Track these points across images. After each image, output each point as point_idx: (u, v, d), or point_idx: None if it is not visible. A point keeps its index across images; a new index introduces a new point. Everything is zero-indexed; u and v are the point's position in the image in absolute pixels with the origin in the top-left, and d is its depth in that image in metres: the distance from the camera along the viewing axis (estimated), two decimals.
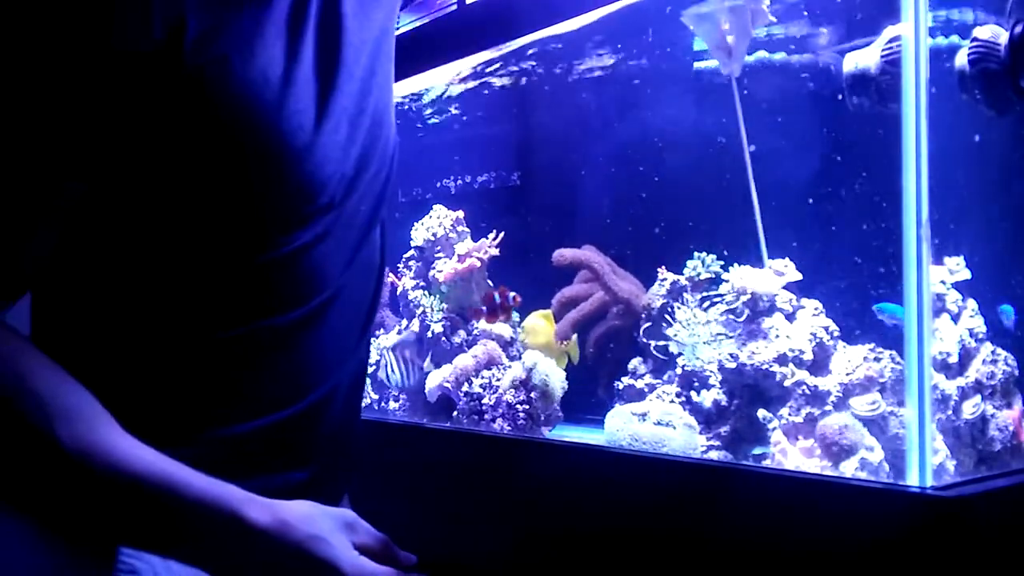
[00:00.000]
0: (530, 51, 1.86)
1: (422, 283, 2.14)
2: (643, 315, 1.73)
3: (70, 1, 0.65)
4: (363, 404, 2.20)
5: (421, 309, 2.05)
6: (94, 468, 0.67)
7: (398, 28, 2.46)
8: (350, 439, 0.98)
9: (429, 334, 2.01)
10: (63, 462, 0.67)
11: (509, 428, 1.70)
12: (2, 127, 0.66)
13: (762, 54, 1.74)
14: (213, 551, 0.71)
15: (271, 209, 0.78)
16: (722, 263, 1.68)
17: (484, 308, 1.83)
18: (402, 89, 2.17)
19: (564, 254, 1.89)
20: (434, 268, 2.07)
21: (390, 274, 2.32)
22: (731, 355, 1.50)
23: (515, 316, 2.01)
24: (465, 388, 1.82)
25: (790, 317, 1.55)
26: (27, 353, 0.70)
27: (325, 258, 0.84)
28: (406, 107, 2.44)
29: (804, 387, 1.43)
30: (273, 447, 0.85)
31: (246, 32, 0.75)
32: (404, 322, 2.16)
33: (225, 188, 0.75)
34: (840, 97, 1.44)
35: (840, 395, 1.41)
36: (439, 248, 2.10)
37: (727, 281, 1.60)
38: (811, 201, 1.67)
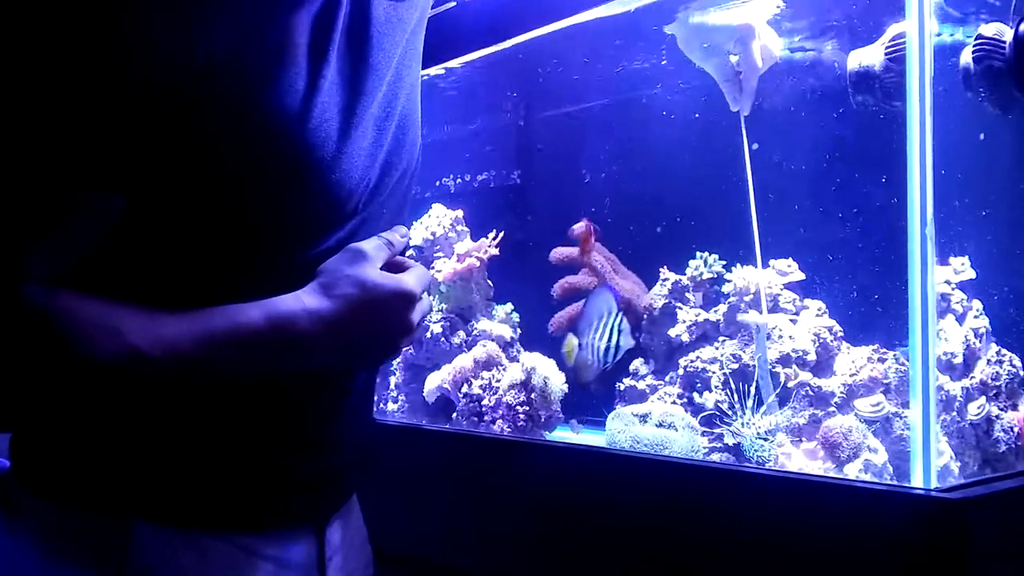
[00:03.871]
0: (530, 50, 1.85)
1: None
2: (644, 315, 1.72)
3: (111, 26, 0.67)
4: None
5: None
6: (184, 356, 0.72)
7: None
8: (364, 432, 1.00)
9: (428, 335, 2.00)
10: (153, 369, 0.71)
11: (509, 430, 1.69)
12: (46, 139, 0.68)
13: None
14: (312, 350, 0.76)
15: (297, 219, 0.80)
16: (724, 263, 1.67)
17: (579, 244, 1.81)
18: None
19: (561, 252, 1.88)
20: (433, 268, 2.06)
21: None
22: (733, 356, 1.49)
23: (515, 316, 2.00)
24: (464, 389, 1.81)
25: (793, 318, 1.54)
26: (73, 297, 0.72)
27: None
28: None
29: (808, 388, 1.42)
30: (300, 439, 0.88)
31: (272, 46, 0.76)
32: None
33: (253, 199, 0.77)
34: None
35: (844, 396, 1.40)
36: (438, 248, 2.09)
37: (729, 281, 1.59)
38: (811, 201, 1.66)
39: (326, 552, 0.93)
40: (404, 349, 0.90)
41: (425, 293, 0.86)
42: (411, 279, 0.82)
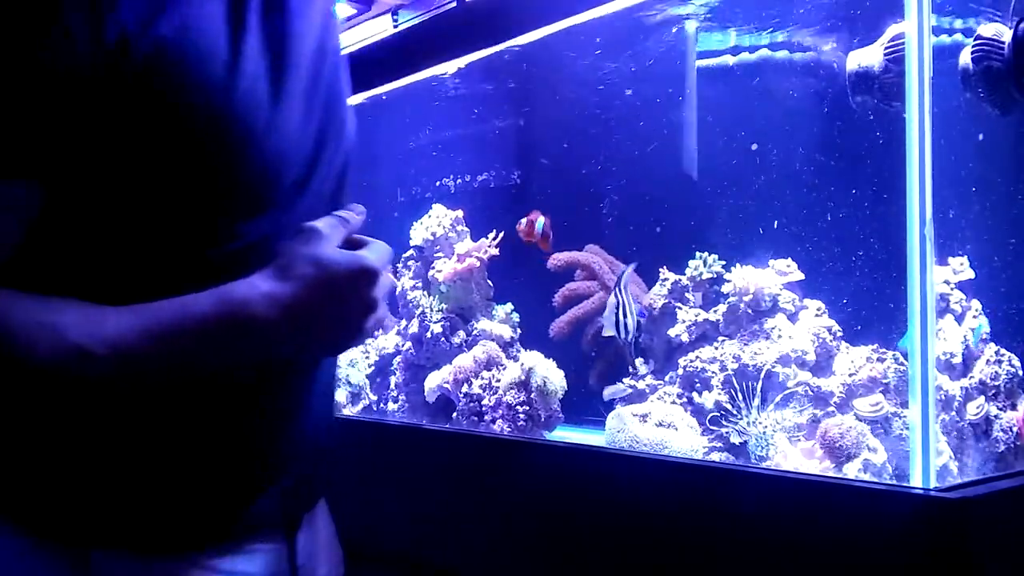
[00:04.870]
0: (530, 50, 1.85)
1: (419, 283, 2.13)
2: (644, 315, 1.72)
3: (16, 11, 0.65)
4: (360, 406, 2.19)
5: (420, 309, 2.04)
6: (129, 351, 0.68)
7: (398, 26, 2.45)
8: (327, 432, 0.94)
9: (428, 335, 2.00)
10: (101, 368, 0.67)
11: (509, 429, 1.69)
12: None
13: (765, 52, 1.73)
14: (266, 338, 0.72)
15: (235, 195, 0.76)
16: (723, 263, 1.67)
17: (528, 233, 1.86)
18: (402, 88, 2.16)
19: (560, 257, 1.89)
20: (433, 268, 2.06)
21: (389, 274, 2.31)
22: (734, 356, 1.50)
23: (515, 316, 2.00)
24: (465, 389, 1.81)
25: (792, 317, 1.54)
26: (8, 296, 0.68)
27: None
28: (406, 106, 2.43)
29: (807, 388, 1.42)
30: (261, 445, 0.83)
31: (188, 17, 0.72)
32: (403, 322, 2.15)
33: (187, 177, 0.73)
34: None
35: (843, 396, 1.40)
36: (438, 248, 2.09)
37: (729, 281, 1.60)
38: (813, 201, 1.67)
39: (297, 559, 0.90)
40: (372, 332, 0.81)
41: (388, 269, 0.81)
42: (371, 255, 0.77)
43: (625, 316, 1.56)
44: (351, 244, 0.79)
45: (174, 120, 0.71)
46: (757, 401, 1.43)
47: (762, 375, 1.44)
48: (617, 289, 1.56)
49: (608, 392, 1.66)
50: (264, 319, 0.71)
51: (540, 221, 1.84)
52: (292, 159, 0.80)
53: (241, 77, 0.75)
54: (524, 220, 1.86)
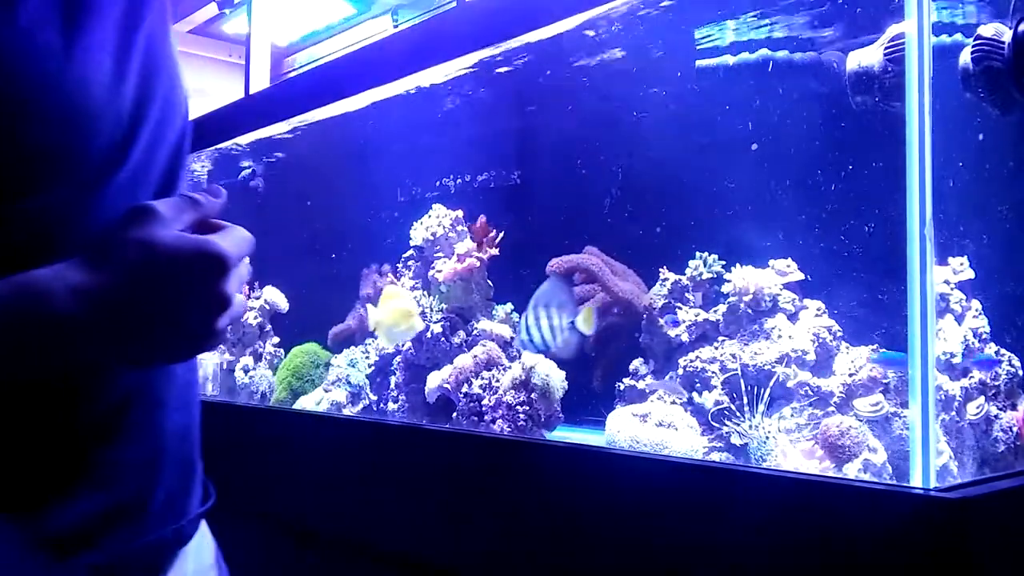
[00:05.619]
0: (530, 49, 1.85)
1: (419, 283, 2.13)
2: (644, 315, 1.72)
3: None
4: (360, 406, 2.19)
5: (420, 309, 2.04)
6: None
7: (398, 26, 2.44)
8: (176, 452, 0.78)
9: (428, 335, 2.00)
10: None
11: (509, 429, 1.69)
12: None
13: (764, 52, 1.73)
14: (78, 342, 0.59)
15: (16, 161, 0.62)
16: (723, 263, 1.68)
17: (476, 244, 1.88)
18: (402, 88, 2.16)
19: (558, 262, 1.89)
20: (433, 268, 2.06)
21: (389, 274, 2.32)
22: (733, 355, 1.50)
23: (516, 316, 2.00)
24: (465, 389, 1.81)
25: (792, 317, 1.54)
26: None
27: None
28: (407, 105, 2.43)
29: (807, 388, 1.42)
30: (60, 466, 0.68)
31: None
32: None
33: None
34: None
35: (843, 396, 1.40)
36: (438, 248, 2.09)
37: (729, 281, 1.60)
38: (812, 201, 1.67)
39: None
40: (224, 333, 0.65)
41: (245, 261, 0.68)
42: (223, 240, 0.64)
43: (530, 330, 1.50)
44: (204, 231, 0.66)
45: None
46: (762, 407, 1.43)
47: (772, 382, 1.44)
48: (529, 307, 1.51)
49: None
50: (69, 317, 0.58)
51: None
52: (98, 125, 0.66)
53: (20, 15, 0.63)
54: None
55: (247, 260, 0.68)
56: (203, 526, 0.84)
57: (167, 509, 0.75)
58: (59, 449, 0.67)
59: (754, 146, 1.61)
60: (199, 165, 3.03)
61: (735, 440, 1.43)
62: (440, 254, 2.08)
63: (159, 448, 0.74)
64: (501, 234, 2.00)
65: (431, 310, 2.02)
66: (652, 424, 1.51)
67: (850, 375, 1.41)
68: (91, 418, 0.69)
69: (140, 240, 0.61)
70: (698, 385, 1.56)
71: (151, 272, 0.60)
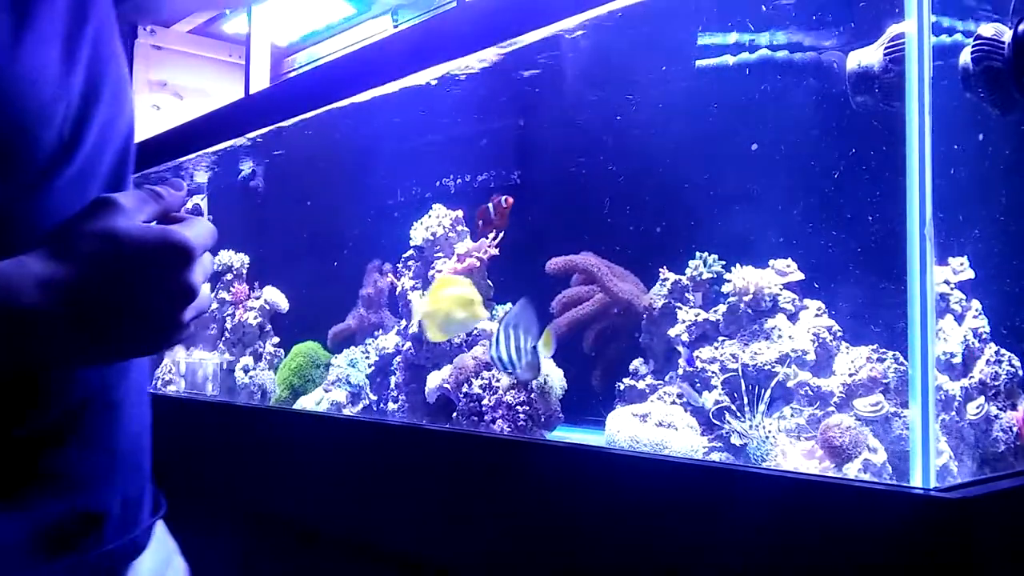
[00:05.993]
0: (530, 49, 1.85)
1: (419, 283, 2.13)
2: (644, 315, 1.72)
3: None
4: (360, 406, 2.19)
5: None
6: None
7: (398, 26, 2.44)
8: (130, 457, 0.76)
9: None
10: None
11: (509, 429, 1.69)
12: None
13: (765, 52, 1.73)
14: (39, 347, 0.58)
15: None
16: (723, 263, 1.68)
17: (480, 222, 1.81)
18: (402, 88, 2.16)
19: (556, 262, 1.89)
20: (433, 268, 2.06)
21: (389, 274, 2.32)
22: (733, 355, 1.50)
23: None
24: (465, 389, 1.81)
25: (792, 317, 1.54)
26: None
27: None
28: (407, 105, 2.44)
29: (807, 388, 1.42)
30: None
31: None
32: (403, 322, 2.15)
33: None
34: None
35: (843, 396, 1.40)
36: (438, 248, 2.09)
37: (729, 281, 1.60)
38: (813, 201, 1.67)
39: None
40: (189, 325, 0.65)
41: (207, 254, 0.67)
42: (186, 230, 0.63)
43: (499, 347, 1.54)
44: (167, 224, 0.65)
45: None
46: (763, 407, 1.43)
47: (773, 383, 1.44)
48: (501, 325, 1.55)
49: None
50: (38, 310, 0.56)
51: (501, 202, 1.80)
52: (45, 121, 0.65)
53: None
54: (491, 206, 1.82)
55: (209, 254, 0.68)
56: (163, 536, 0.82)
57: (123, 518, 0.73)
58: (10, 456, 0.65)
59: (754, 146, 1.61)
60: (200, 164, 3.03)
61: (735, 440, 1.43)
62: (440, 254, 2.08)
63: (115, 453, 0.73)
64: (501, 234, 2.00)
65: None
66: (652, 424, 1.51)
67: (850, 375, 1.41)
68: (46, 423, 0.67)
69: (103, 231, 0.60)
70: (698, 385, 1.56)
71: (115, 263, 0.59)
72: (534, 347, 1.54)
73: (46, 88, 0.66)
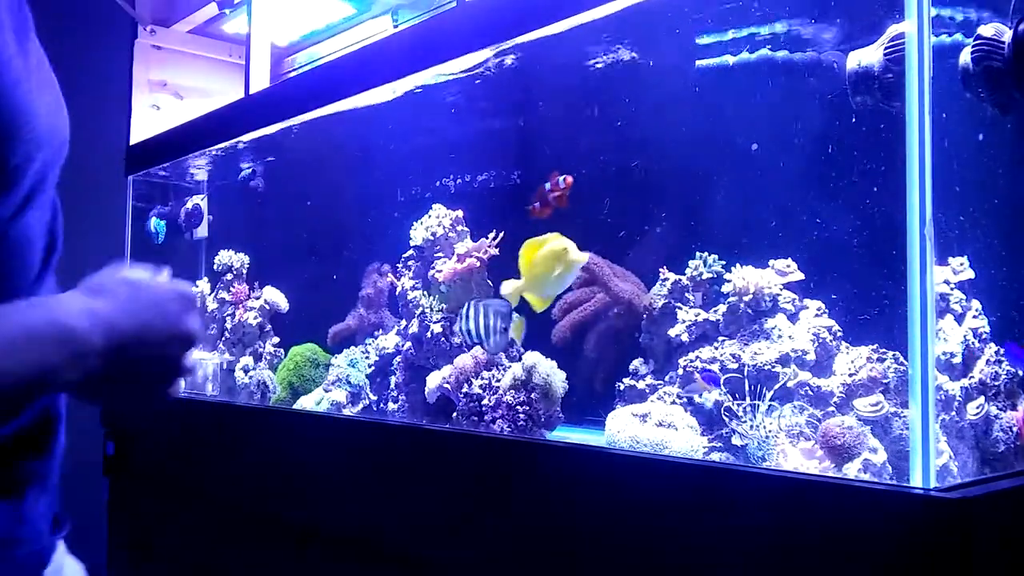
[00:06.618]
0: (530, 48, 1.85)
1: (419, 283, 2.13)
2: (644, 315, 1.72)
3: None
4: (360, 406, 2.18)
5: (420, 309, 2.04)
6: None
7: (398, 26, 2.44)
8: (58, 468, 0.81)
9: (428, 335, 2.00)
10: None
11: (509, 429, 1.69)
12: None
13: (765, 51, 1.73)
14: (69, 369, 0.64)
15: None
16: (723, 263, 1.67)
17: (537, 204, 1.75)
18: (403, 88, 2.16)
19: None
20: (433, 268, 2.06)
21: (389, 274, 2.31)
22: (733, 355, 1.50)
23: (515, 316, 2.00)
24: (465, 389, 1.81)
25: (792, 317, 1.54)
26: None
27: (33, 232, 0.74)
28: (409, 105, 2.43)
29: (807, 388, 1.42)
30: None
31: None
32: (403, 322, 2.15)
33: None
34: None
35: (843, 396, 1.40)
36: (438, 248, 2.09)
37: (729, 281, 1.60)
38: (813, 201, 1.66)
39: None
40: (187, 370, 0.74)
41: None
42: (186, 285, 0.75)
43: (467, 321, 1.61)
44: None
45: None
46: (763, 407, 1.43)
47: (776, 386, 1.44)
48: (471, 302, 1.62)
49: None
50: (82, 329, 0.64)
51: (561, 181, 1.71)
52: (41, 121, 0.70)
53: None
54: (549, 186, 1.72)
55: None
56: (64, 557, 0.85)
57: (41, 527, 0.78)
58: None
59: (754, 146, 1.61)
60: (200, 164, 3.03)
61: (735, 440, 1.43)
62: (440, 254, 2.08)
63: (54, 461, 0.79)
64: (501, 234, 2.00)
65: (431, 310, 2.02)
66: (652, 424, 1.51)
67: (850, 375, 1.41)
68: (22, 429, 0.73)
69: (123, 279, 0.72)
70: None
71: (138, 300, 0.70)
72: (505, 328, 1.61)
73: (47, 115, 0.72)
